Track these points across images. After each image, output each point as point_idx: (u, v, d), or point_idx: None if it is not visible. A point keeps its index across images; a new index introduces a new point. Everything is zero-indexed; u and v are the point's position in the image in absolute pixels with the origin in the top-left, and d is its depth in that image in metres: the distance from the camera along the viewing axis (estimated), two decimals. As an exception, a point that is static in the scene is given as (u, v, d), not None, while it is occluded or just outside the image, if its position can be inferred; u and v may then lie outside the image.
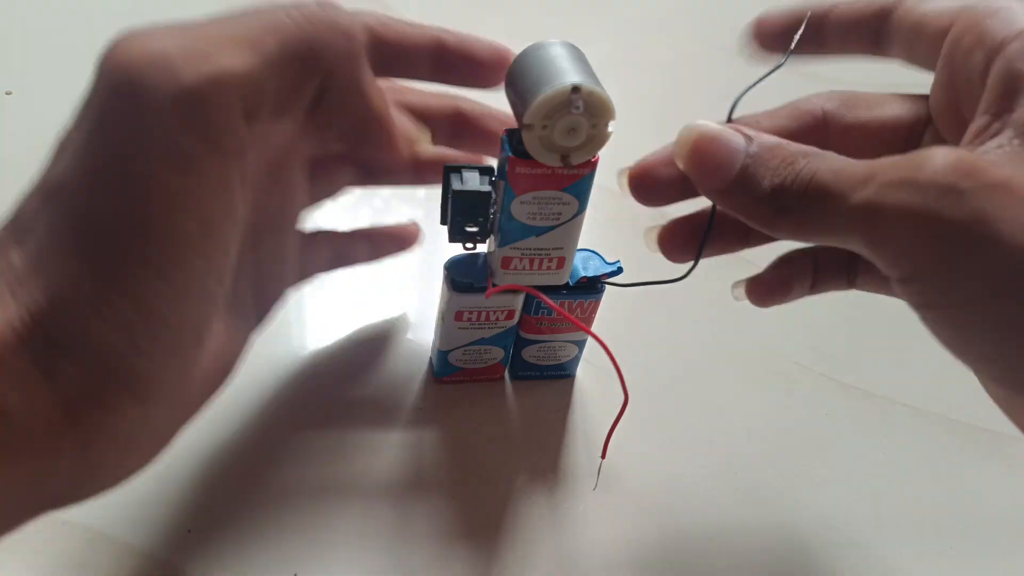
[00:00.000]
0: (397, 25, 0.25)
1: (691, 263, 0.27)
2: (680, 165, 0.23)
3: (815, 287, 0.29)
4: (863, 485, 0.35)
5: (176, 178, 0.18)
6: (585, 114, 0.24)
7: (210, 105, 0.19)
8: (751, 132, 0.22)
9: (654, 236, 0.28)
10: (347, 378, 0.36)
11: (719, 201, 0.23)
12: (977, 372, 0.21)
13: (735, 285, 0.30)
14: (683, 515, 0.33)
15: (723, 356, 0.40)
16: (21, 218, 0.19)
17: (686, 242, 0.27)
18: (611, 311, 0.34)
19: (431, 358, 0.37)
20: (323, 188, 0.30)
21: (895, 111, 0.25)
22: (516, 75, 0.25)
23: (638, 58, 0.60)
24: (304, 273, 0.31)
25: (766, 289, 0.29)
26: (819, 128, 0.25)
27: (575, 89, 0.23)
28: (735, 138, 0.22)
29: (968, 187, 0.17)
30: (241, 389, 0.35)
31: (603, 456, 0.32)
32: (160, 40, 0.19)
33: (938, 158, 0.18)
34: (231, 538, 0.30)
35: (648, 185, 0.26)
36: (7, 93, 0.47)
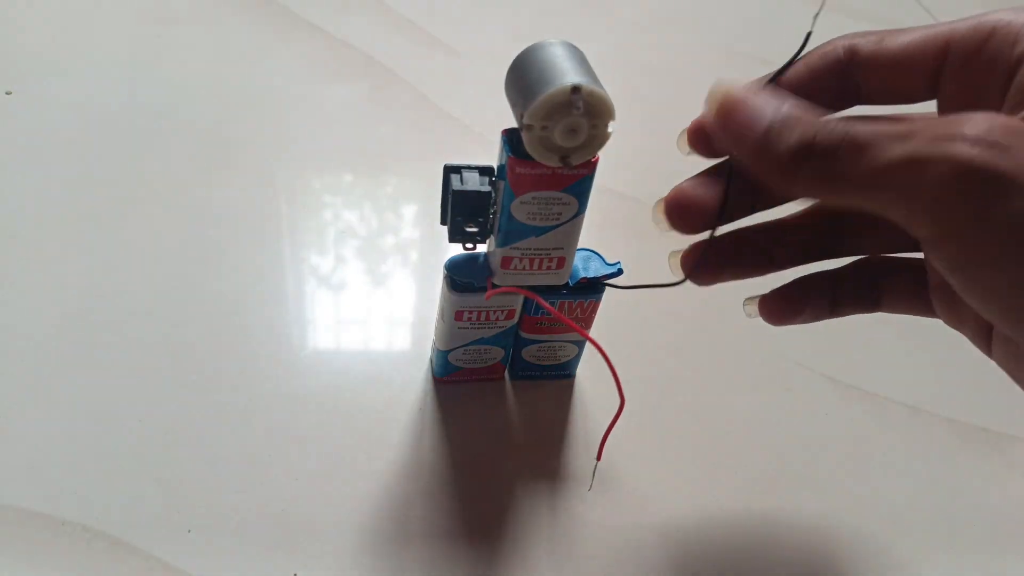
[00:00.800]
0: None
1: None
2: (710, 118, 0.23)
3: (836, 309, 0.28)
4: (863, 485, 0.35)
5: None
6: (585, 114, 0.23)
7: None
8: (785, 95, 0.22)
9: (678, 260, 0.27)
10: (347, 378, 0.36)
11: (744, 157, 0.23)
12: (1007, 328, 0.21)
13: (747, 301, 0.29)
14: (682, 514, 0.33)
15: (723, 356, 0.40)
16: None
17: (710, 263, 0.26)
18: (611, 311, 0.34)
19: (431, 358, 0.37)
20: None
21: (917, 38, 0.24)
22: (516, 75, 0.25)
23: (638, 58, 0.60)
24: None
25: (778, 306, 0.28)
26: (843, 66, 0.25)
27: (575, 89, 0.23)
28: (764, 96, 0.22)
29: (1013, 143, 0.18)
30: (241, 389, 0.35)
31: (598, 458, 0.32)
32: None
33: (980, 118, 0.19)
34: (231, 538, 0.30)
35: (686, 210, 0.25)
36: (7, 93, 0.47)
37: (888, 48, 0.24)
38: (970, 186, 0.18)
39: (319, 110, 0.50)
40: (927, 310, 0.27)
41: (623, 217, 0.44)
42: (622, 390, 0.28)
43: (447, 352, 0.34)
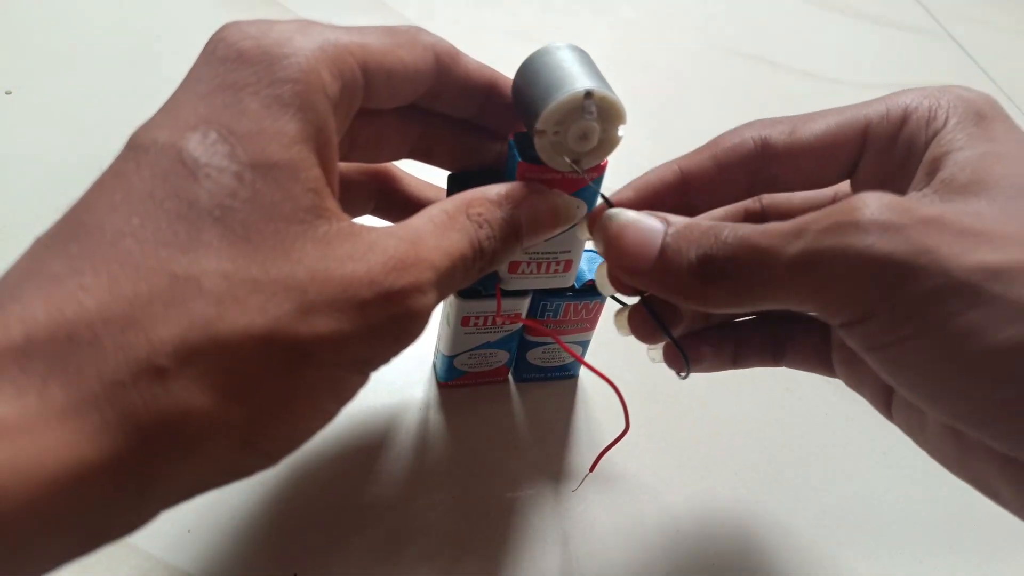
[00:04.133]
0: (465, 60, 0.25)
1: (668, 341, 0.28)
2: (600, 252, 0.24)
3: (739, 361, 0.29)
4: (862, 485, 0.35)
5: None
6: (598, 119, 0.23)
7: None
8: (668, 216, 0.23)
9: (624, 319, 0.28)
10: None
11: (647, 286, 0.23)
12: (930, 410, 0.20)
13: (650, 348, 0.29)
14: (683, 513, 0.33)
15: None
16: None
17: (654, 323, 0.27)
18: (610, 310, 0.34)
19: (434, 363, 0.37)
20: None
21: (832, 127, 0.24)
22: (525, 81, 0.24)
23: (638, 58, 0.60)
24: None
25: (674, 356, 0.28)
26: (754, 159, 0.24)
27: (588, 94, 0.23)
28: (651, 221, 0.23)
29: (906, 222, 0.18)
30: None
31: (591, 470, 0.32)
32: None
33: (871, 200, 0.19)
34: (231, 538, 0.30)
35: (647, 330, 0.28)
36: (7, 93, 0.47)
37: (802, 139, 0.24)
38: (872, 275, 0.18)
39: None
40: (828, 370, 0.28)
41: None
42: (628, 417, 0.28)
43: (452, 357, 0.34)
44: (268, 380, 0.17)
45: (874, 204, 0.18)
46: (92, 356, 0.15)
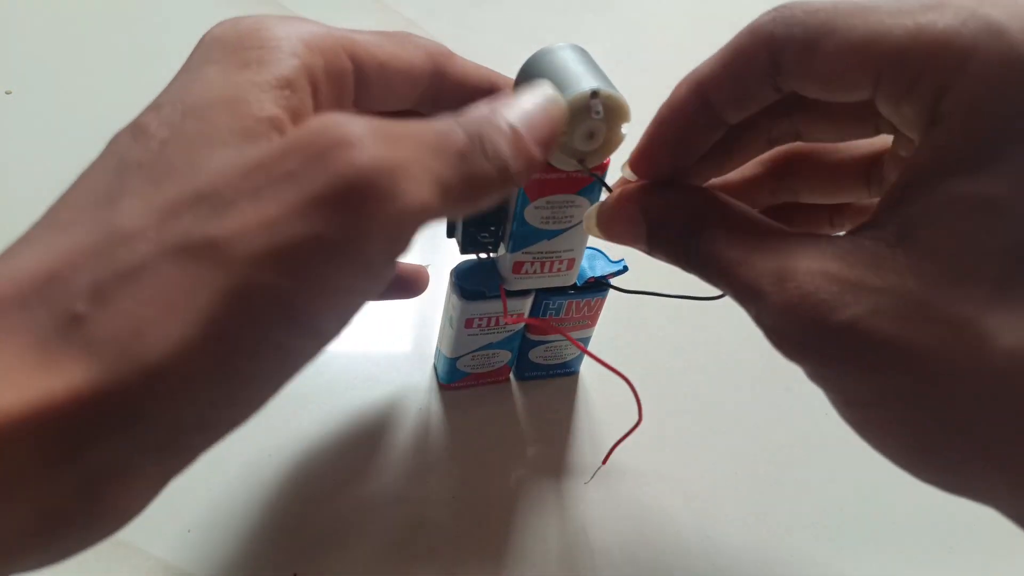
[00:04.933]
0: (461, 61, 0.24)
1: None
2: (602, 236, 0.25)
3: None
4: (863, 484, 0.35)
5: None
6: (603, 118, 0.23)
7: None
8: (649, 201, 0.23)
9: (592, 221, 0.25)
10: (348, 377, 0.36)
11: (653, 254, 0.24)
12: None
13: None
14: (682, 513, 0.33)
15: (722, 354, 0.40)
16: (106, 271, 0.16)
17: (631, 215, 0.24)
18: (610, 309, 0.34)
19: (434, 365, 0.37)
20: None
21: (849, 50, 0.19)
22: (527, 81, 0.24)
23: (638, 58, 0.60)
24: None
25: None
26: (769, 73, 0.21)
27: (594, 94, 0.23)
28: (630, 212, 0.23)
29: (835, 321, 0.18)
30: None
31: (604, 462, 0.32)
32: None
33: (801, 283, 0.18)
34: (231, 538, 0.30)
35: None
36: (7, 93, 0.47)
37: (815, 59, 0.19)
38: (804, 354, 0.19)
39: (319, 110, 0.50)
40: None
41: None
42: (641, 410, 0.28)
43: (455, 359, 0.34)
44: (190, 300, 0.15)
45: (796, 297, 0.18)
46: (20, 315, 0.15)
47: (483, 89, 0.24)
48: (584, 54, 0.24)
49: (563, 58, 0.24)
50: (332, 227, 0.15)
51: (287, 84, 0.18)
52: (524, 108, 0.20)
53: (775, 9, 0.21)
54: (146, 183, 0.16)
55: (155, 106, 0.18)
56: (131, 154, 0.17)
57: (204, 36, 0.20)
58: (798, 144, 0.25)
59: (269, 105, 0.18)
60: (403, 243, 0.17)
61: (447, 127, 0.18)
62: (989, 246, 0.17)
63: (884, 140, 0.24)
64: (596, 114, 0.23)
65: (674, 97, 0.23)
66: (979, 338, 0.16)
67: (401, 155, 0.16)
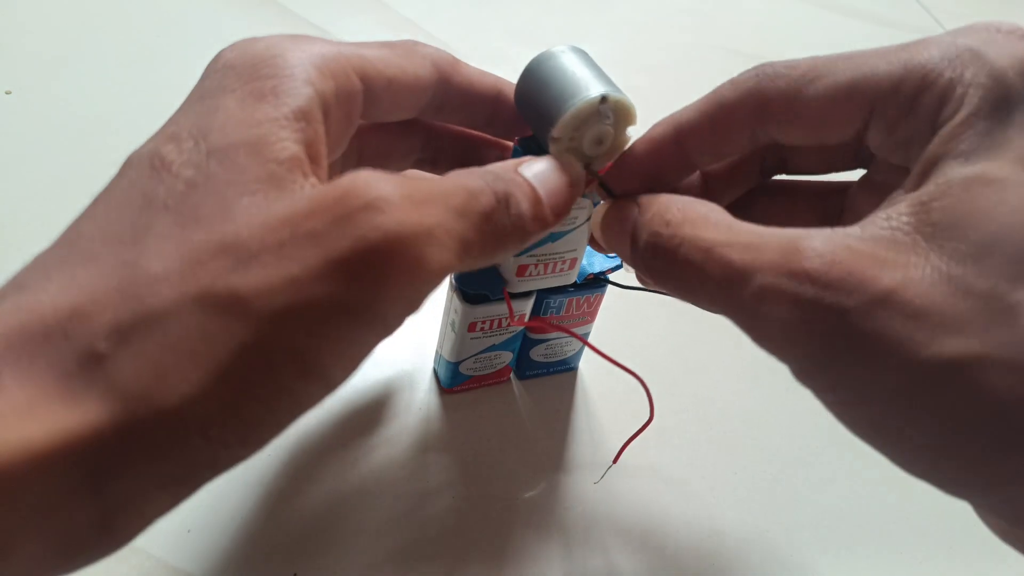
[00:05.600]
0: (466, 68, 0.24)
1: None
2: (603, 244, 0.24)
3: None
4: (863, 484, 0.35)
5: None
6: (612, 123, 0.23)
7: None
8: (645, 198, 0.22)
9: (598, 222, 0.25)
10: (350, 381, 0.36)
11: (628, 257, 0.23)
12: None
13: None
14: (682, 512, 0.33)
15: (721, 352, 0.40)
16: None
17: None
18: (610, 309, 0.34)
19: (434, 368, 0.37)
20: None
21: (840, 91, 0.21)
22: (533, 87, 0.24)
23: (638, 58, 0.60)
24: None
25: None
26: (755, 120, 0.22)
27: (603, 99, 0.22)
28: (628, 208, 0.23)
29: (850, 305, 0.17)
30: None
31: (614, 461, 0.32)
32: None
33: (817, 264, 0.17)
34: (231, 538, 0.30)
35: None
36: (7, 93, 0.47)
37: (804, 105, 0.21)
38: (809, 349, 0.18)
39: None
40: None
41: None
42: (653, 407, 0.29)
43: (458, 363, 0.34)
44: (211, 349, 0.15)
45: (820, 268, 0.17)
46: (43, 349, 0.15)
47: (489, 96, 0.25)
48: (586, 57, 0.24)
49: (566, 62, 0.23)
50: (354, 291, 0.16)
51: (303, 116, 0.18)
52: (548, 176, 0.21)
53: (756, 67, 0.22)
54: (173, 226, 0.16)
55: (174, 136, 0.18)
56: (155, 191, 0.17)
57: (217, 59, 0.20)
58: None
59: (289, 144, 0.18)
60: (420, 303, 0.18)
61: (477, 187, 0.19)
62: (1006, 221, 0.17)
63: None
64: (606, 119, 0.23)
65: (650, 136, 0.24)
66: (1010, 311, 0.16)
67: (428, 220, 0.17)
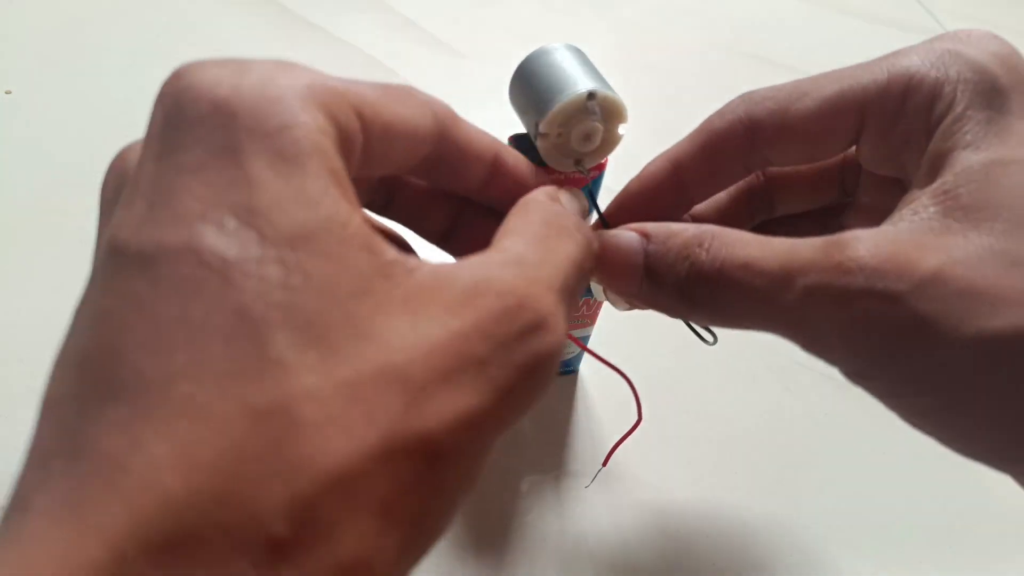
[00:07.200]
0: (466, 124, 0.21)
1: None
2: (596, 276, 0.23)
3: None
4: (862, 484, 0.35)
5: None
6: (601, 119, 0.23)
7: None
8: (651, 228, 0.21)
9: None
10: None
11: (641, 303, 0.23)
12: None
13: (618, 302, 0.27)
14: (682, 513, 0.33)
15: (721, 353, 0.40)
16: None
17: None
18: (610, 308, 0.34)
19: None
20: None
21: (826, 103, 0.21)
22: (524, 83, 0.24)
23: (638, 58, 0.60)
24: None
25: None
26: (747, 143, 0.22)
27: (591, 95, 0.23)
28: (630, 240, 0.21)
29: (903, 289, 0.17)
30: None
31: (604, 464, 0.32)
32: None
33: (863, 253, 0.17)
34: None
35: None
36: (7, 93, 0.47)
37: (794, 120, 0.21)
38: (862, 344, 0.17)
39: (319, 110, 0.50)
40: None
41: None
42: (641, 409, 0.28)
43: None
44: (405, 500, 0.13)
45: (867, 260, 0.17)
46: (201, 560, 0.12)
47: (486, 159, 0.22)
48: (580, 54, 0.24)
49: (558, 59, 0.24)
50: (522, 411, 0.16)
51: (334, 174, 0.15)
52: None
53: (741, 95, 0.23)
54: (300, 351, 0.13)
55: (203, 216, 0.13)
56: (247, 306, 0.13)
57: (185, 92, 0.15)
58: (768, 169, 0.25)
59: (355, 217, 0.15)
60: None
61: (587, 266, 0.19)
62: None
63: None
64: (593, 115, 0.23)
65: (648, 172, 0.24)
66: None
67: (564, 322, 0.17)
